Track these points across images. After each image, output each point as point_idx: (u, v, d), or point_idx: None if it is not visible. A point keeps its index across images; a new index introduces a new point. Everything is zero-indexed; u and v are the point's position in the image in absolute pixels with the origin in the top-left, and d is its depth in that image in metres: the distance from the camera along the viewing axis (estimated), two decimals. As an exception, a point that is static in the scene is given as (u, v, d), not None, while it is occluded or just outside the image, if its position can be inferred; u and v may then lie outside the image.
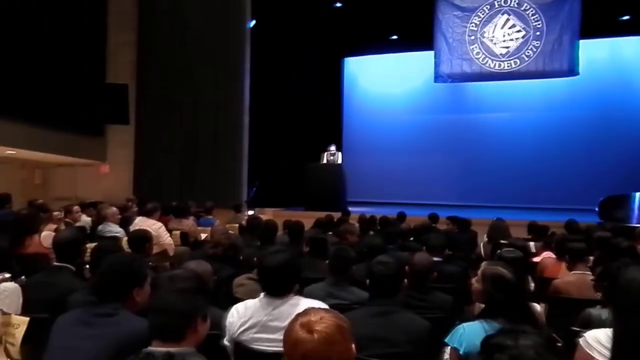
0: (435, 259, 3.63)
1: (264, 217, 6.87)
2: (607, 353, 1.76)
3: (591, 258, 3.71)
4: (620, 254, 3.51)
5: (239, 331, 2.22)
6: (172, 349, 1.47)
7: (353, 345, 1.40)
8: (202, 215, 7.56)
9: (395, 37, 12.45)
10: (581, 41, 10.18)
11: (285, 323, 2.05)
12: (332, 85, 13.40)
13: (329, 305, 2.08)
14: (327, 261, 3.45)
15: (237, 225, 6.81)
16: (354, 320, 1.62)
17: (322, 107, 12.81)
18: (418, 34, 11.40)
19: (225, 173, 10.78)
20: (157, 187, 10.63)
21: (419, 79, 12.67)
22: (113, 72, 11.31)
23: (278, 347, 2.12)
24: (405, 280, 2.84)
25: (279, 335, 2.09)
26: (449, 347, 2.09)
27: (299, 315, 1.42)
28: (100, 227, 5.30)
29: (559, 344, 2.47)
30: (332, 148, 10.57)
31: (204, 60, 10.86)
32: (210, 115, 10.90)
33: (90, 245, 3.17)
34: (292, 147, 12.00)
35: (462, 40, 10.84)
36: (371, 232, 5.88)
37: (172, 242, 5.39)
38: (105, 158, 11.55)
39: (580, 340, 1.86)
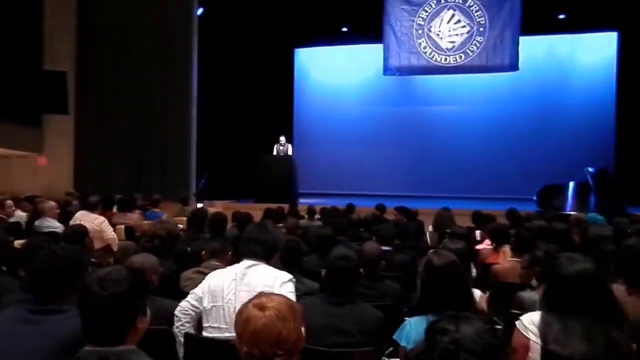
0: (385, 248, 3.71)
1: (213, 209, 6.75)
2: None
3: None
4: (556, 239, 3.73)
5: (213, 284, 2.37)
6: (110, 349, 1.40)
7: (303, 328, 1.43)
8: (148, 208, 7.33)
9: (345, 29, 12.51)
10: (522, 38, 10.62)
11: (258, 278, 2.32)
12: (283, 75, 13.33)
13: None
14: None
15: (185, 218, 6.65)
16: (307, 309, 1.63)
17: (273, 98, 12.73)
18: (368, 26, 11.52)
19: (172, 165, 10.48)
20: (101, 180, 10.20)
21: (369, 71, 12.81)
22: (50, 59, 10.68)
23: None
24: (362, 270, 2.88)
25: (248, 288, 2.27)
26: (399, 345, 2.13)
27: (251, 299, 1.45)
28: (37, 223, 5.01)
29: (499, 327, 2.60)
30: (282, 139, 10.53)
31: (149, 47, 10.46)
32: (157, 105, 10.54)
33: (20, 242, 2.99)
34: (242, 138, 11.85)
35: (410, 34, 11.04)
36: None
37: (115, 236, 5.20)
38: (43, 149, 10.92)
39: (517, 323, 1.96)
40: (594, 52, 12.25)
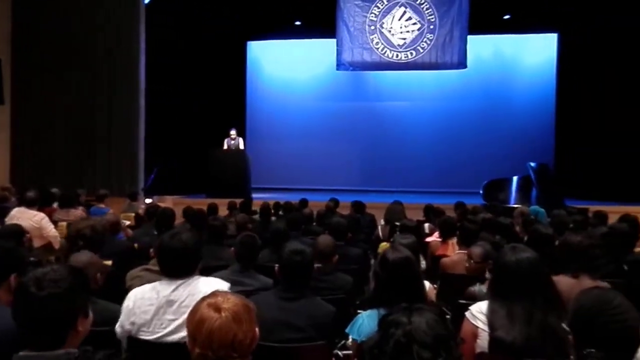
0: (338, 242, 3.73)
1: (163, 205, 6.57)
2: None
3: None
4: (500, 231, 3.88)
5: (135, 317, 2.12)
6: (45, 354, 1.32)
7: (257, 329, 1.41)
8: (93, 204, 7.03)
9: (299, 23, 12.46)
10: (470, 37, 10.94)
11: (187, 301, 2.07)
12: (235, 68, 13.09)
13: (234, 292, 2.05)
14: (230, 248, 3.40)
15: (133, 214, 6.44)
16: (259, 305, 1.62)
17: (225, 91, 12.48)
18: (322, 21, 11.51)
19: (119, 159, 10.07)
20: (40, 174, 9.65)
21: (322, 66, 12.82)
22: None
23: (177, 329, 2.06)
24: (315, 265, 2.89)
25: (179, 316, 2.06)
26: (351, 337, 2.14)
27: (205, 297, 1.41)
28: (-31, 220, 4.69)
29: (448, 316, 2.68)
30: (233, 133, 10.33)
31: (92, 35, 9.96)
32: (102, 95, 10.08)
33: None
34: (193, 131, 11.56)
35: (363, 29, 11.14)
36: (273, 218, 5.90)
37: (57, 234, 4.95)
38: (-25, 142, 10.23)
39: (467, 313, 2.04)
40: (536, 52, 12.81)
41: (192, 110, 11.68)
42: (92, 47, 9.99)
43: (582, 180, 10.58)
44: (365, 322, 2.08)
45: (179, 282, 2.15)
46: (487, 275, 2.88)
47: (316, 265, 2.99)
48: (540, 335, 1.84)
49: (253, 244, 3.12)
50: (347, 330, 2.15)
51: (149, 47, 10.28)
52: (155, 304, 2.10)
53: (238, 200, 6.99)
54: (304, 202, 7.12)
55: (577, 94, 11.47)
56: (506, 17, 11.81)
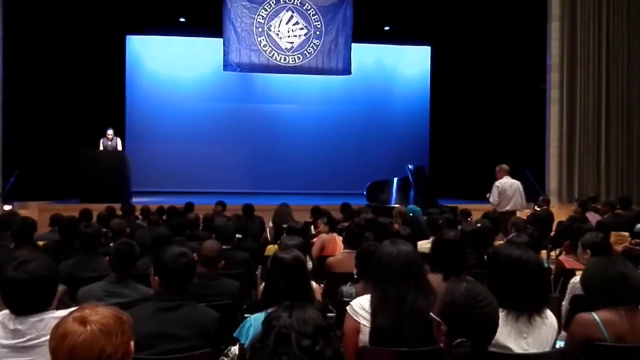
0: (225, 246, 3.65)
1: (25, 212, 5.89)
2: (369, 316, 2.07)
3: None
4: (380, 230, 4.10)
5: None
6: None
7: (132, 343, 1.32)
8: None
9: (184, 19, 12.01)
10: (354, 45, 11.45)
11: (42, 341, 1.80)
12: (114, 63, 12.10)
13: (109, 305, 1.88)
14: (105, 257, 3.16)
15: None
16: (136, 318, 1.51)
17: (102, 86, 11.48)
18: (208, 19, 11.22)
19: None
20: None
21: (208, 65, 12.50)
22: None
23: None
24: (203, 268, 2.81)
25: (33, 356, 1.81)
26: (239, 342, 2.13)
27: (73, 311, 1.28)
28: None
29: (332, 315, 2.76)
30: (110, 132, 9.55)
31: None
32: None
33: None
34: (63, 130, 10.48)
35: (251, 31, 11.07)
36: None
37: None
38: None
39: (348, 308, 2.14)
40: (413, 63, 13.87)
41: (63, 107, 10.60)
42: None
43: (453, 181, 11.66)
44: (253, 324, 2.09)
45: (30, 320, 1.84)
46: (355, 271, 3.03)
47: (202, 270, 2.91)
48: (411, 318, 2.00)
49: (130, 252, 2.93)
50: (235, 334, 2.14)
51: (8, 35, 9.13)
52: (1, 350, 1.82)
53: (116, 206, 6.51)
54: (189, 206, 6.87)
55: (447, 103, 12.61)
56: (386, 28, 12.56)
